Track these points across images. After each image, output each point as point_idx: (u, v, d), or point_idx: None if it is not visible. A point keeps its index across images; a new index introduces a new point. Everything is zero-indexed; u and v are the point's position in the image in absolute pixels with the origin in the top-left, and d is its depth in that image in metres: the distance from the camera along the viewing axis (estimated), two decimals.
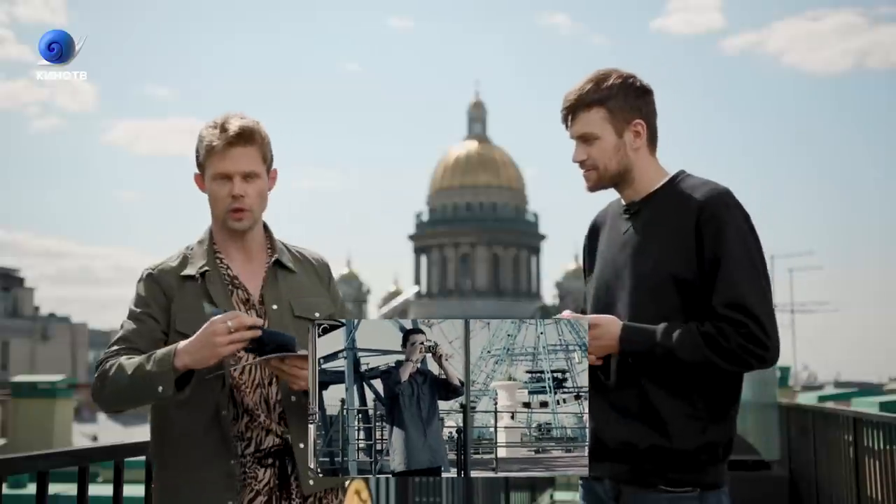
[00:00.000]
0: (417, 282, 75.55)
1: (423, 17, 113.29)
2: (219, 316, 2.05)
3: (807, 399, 13.13)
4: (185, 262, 2.28)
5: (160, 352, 2.10)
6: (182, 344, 2.07)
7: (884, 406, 7.78)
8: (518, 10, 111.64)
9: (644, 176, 2.27)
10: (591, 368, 2.12)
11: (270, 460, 2.20)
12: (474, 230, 74.46)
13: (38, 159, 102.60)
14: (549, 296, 79.10)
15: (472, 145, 76.46)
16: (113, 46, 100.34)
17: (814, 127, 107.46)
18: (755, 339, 2.08)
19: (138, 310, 2.23)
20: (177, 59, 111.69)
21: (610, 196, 2.39)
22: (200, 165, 2.27)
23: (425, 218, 77.82)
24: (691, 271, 2.14)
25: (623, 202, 2.33)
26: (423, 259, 77.27)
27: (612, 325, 2.13)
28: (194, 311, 2.16)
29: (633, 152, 2.26)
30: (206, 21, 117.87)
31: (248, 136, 2.21)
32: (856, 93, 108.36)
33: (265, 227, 2.35)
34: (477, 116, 78.59)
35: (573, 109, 2.27)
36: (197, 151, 2.26)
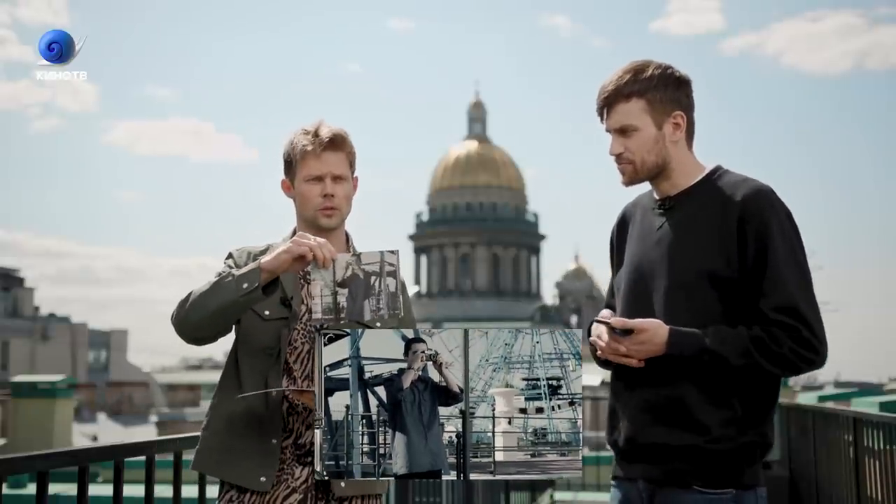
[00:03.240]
0: (417, 282, 75.45)
1: (423, 18, 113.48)
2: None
3: (807, 399, 13.09)
4: (266, 250, 2.38)
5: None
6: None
7: (884, 406, 7.75)
8: (518, 12, 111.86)
9: (682, 170, 2.19)
10: (625, 369, 2.11)
11: (310, 459, 2.24)
12: (474, 230, 74.43)
13: (38, 159, 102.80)
14: (549, 296, 78.95)
15: (472, 145, 76.43)
16: (113, 46, 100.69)
17: (814, 127, 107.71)
18: (807, 343, 2.04)
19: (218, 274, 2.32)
20: (177, 59, 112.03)
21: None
22: (290, 170, 2.39)
23: (425, 218, 77.79)
24: (731, 270, 2.08)
25: (656, 196, 2.24)
26: (423, 259, 77.23)
27: (659, 329, 2.07)
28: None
29: (672, 145, 2.18)
30: (206, 21, 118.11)
31: (339, 143, 2.36)
32: (855, 93, 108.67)
33: (346, 235, 2.45)
34: (477, 116, 78.55)
35: (610, 101, 2.18)
36: (288, 156, 2.39)
